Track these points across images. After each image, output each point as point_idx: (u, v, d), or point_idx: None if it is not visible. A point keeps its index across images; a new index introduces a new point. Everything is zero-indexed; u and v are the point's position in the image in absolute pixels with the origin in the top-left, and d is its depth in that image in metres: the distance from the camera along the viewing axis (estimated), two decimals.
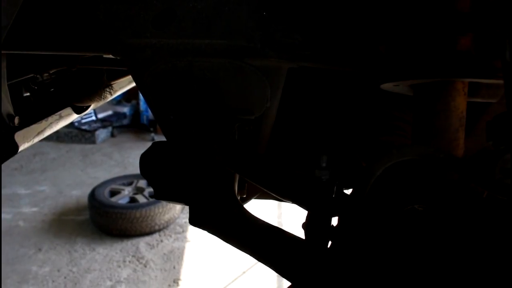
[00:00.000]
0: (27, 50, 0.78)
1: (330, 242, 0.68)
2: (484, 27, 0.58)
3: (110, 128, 6.71)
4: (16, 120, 0.83)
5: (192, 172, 0.84)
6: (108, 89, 1.13)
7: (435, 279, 0.56)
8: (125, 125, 6.97)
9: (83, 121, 6.63)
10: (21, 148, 0.84)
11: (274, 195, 0.77)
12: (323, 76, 1.00)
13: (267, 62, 0.75)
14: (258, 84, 0.77)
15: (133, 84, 1.50)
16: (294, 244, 0.75)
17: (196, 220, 0.85)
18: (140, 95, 6.89)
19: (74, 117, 1.10)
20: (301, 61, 0.75)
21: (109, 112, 7.03)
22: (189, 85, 0.79)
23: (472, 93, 0.67)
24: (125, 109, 7.05)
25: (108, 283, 3.21)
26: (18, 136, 0.82)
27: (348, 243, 0.61)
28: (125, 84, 1.38)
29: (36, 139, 0.92)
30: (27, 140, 0.87)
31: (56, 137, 6.44)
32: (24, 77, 0.91)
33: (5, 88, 0.80)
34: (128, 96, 7.38)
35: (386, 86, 0.69)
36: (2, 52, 0.80)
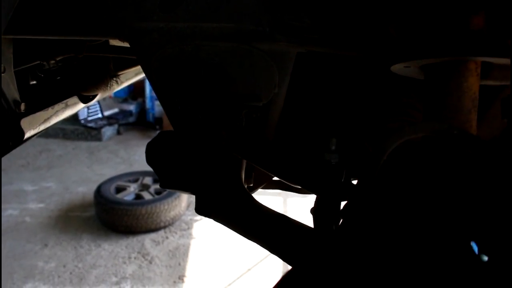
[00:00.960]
0: (34, 35, 0.77)
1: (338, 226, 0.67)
2: (497, 5, 0.57)
3: (116, 126, 6.73)
4: (22, 107, 0.82)
5: (199, 160, 0.83)
6: (114, 79, 1.13)
7: (448, 267, 0.54)
8: (131, 123, 6.99)
9: (89, 118, 6.66)
10: (27, 135, 0.84)
11: (283, 180, 0.76)
12: (331, 60, 0.98)
13: (275, 46, 0.74)
14: (266, 69, 0.77)
15: (140, 77, 1.50)
16: (302, 231, 0.74)
17: (202, 209, 0.84)
18: (146, 93, 6.91)
19: (81, 106, 1.10)
20: (309, 45, 0.74)
21: (115, 110, 7.06)
22: (196, 70, 0.78)
23: (485, 75, 0.65)
24: (131, 107, 7.07)
25: (114, 279, 3.22)
26: (24, 123, 0.82)
27: (357, 227, 0.60)
28: (132, 76, 1.37)
29: (42, 127, 0.92)
30: (33, 127, 0.87)
31: (63, 134, 6.47)
32: (31, 64, 0.91)
33: (11, 73, 0.80)
34: (134, 94, 7.40)
35: (397, 68, 0.68)
36: (10, 37, 0.80)
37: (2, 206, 4.27)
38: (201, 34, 0.73)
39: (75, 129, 6.46)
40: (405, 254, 0.56)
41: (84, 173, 5.20)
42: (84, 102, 1.09)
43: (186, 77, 0.79)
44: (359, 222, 0.59)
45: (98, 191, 3.93)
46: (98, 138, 6.40)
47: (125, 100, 7.28)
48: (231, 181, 0.82)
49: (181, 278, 3.25)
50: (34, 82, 0.97)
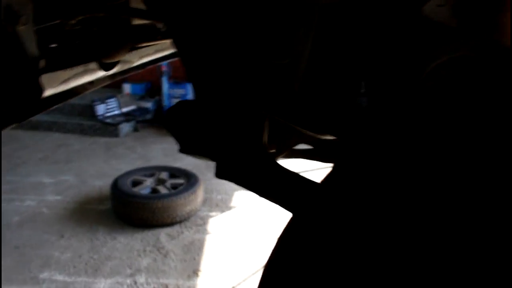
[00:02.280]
0: None
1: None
2: None
3: (133, 123, 6.76)
4: (42, 63, 0.80)
5: (219, 122, 0.80)
6: (134, 47, 1.10)
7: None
8: (148, 120, 7.02)
9: (107, 114, 6.70)
10: (46, 93, 0.81)
11: (310, 132, 0.71)
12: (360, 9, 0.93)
13: None
14: (291, 23, 0.72)
15: (159, 54, 1.47)
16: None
17: (222, 173, 0.81)
18: (163, 90, 6.93)
19: (100, 73, 1.07)
20: None
21: (133, 107, 7.09)
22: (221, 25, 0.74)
23: None
24: (149, 104, 7.10)
25: (128, 271, 3.20)
26: (43, 79, 0.79)
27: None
28: (152, 52, 1.35)
29: (61, 88, 0.89)
30: (52, 86, 0.84)
31: (80, 129, 6.53)
32: (51, 23, 0.88)
33: (31, 28, 0.78)
34: (151, 92, 7.44)
35: (429, 10, 0.62)
36: None
37: (21, 197, 4.31)
38: None
39: (92, 125, 6.52)
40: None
41: (101, 167, 5.23)
42: (105, 70, 1.07)
43: (212, 31, 0.76)
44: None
45: (115, 184, 3.93)
46: (116, 134, 6.44)
47: (142, 98, 7.32)
48: (253, 143, 0.78)
49: (195, 272, 3.21)
50: (54, 45, 0.95)
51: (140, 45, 1.16)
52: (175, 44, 0.83)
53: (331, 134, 0.71)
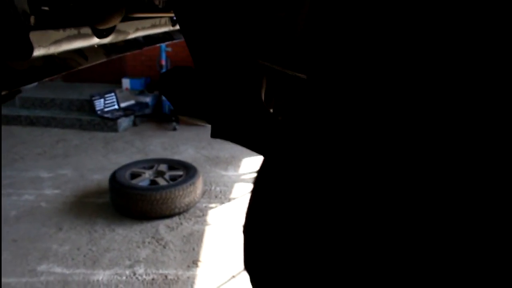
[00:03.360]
0: None
1: None
2: None
3: (132, 117, 6.73)
4: (32, 20, 0.77)
5: (220, 78, 0.77)
6: (130, 16, 1.07)
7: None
8: (147, 115, 6.98)
9: (106, 109, 6.67)
10: (36, 53, 0.78)
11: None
12: None
13: None
14: None
15: (155, 31, 1.44)
16: None
17: (218, 132, 0.78)
18: None
19: (94, 40, 1.04)
20: None
21: (132, 102, 7.06)
22: None
23: None
24: (147, 99, 7.07)
25: (127, 262, 3.18)
26: (33, 36, 0.76)
27: None
28: (148, 27, 1.31)
29: (53, 49, 0.86)
30: (43, 45, 0.81)
31: (79, 124, 6.50)
32: None
33: None
34: (150, 87, 7.40)
35: None
36: None
37: (19, 192, 4.28)
38: None
39: (91, 120, 6.48)
40: None
41: (99, 161, 5.20)
42: (98, 37, 1.03)
43: None
44: None
45: (113, 177, 3.90)
46: (114, 129, 6.41)
47: (141, 92, 7.28)
48: (252, 100, 0.75)
49: (195, 262, 3.19)
50: (46, 8, 0.92)
51: (136, 15, 1.13)
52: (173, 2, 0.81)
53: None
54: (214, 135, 0.78)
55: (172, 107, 0.84)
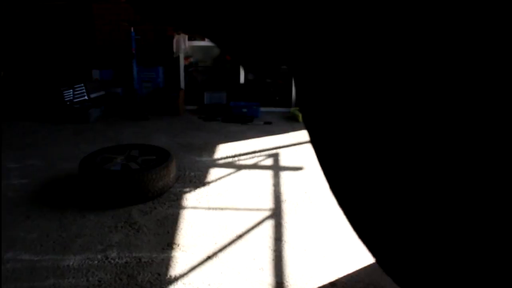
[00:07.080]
0: None
1: None
2: None
3: (102, 108, 6.57)
4: None
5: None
6: None
7: None
8: (118, 105, 6.83)
9: (75, 100, 6.48)
10: None
11: None
12: None
13: None
14: None
15: None
16: None
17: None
18: (134, 75, 6.74)
19: None
20: None
21: (101, 93, 6.89)
22: None
23: None
24: (118, 90, 6.91)
25: (99, 247, 3.08)
26: None
27: None
28: None
29: None
30: None
31: (48, 116, 6.29)
32: None
33: None
34: (121, 77, 7.24)
35: None
36: None
37: None
38: None
39: (61, 111, 6.29)
40: None
41: (70, 151, 5.04)
42: None
43: None
44: None
45: (83, 162, 3.78)
46: (85, 120, 6.24)
47: (111, 83, 7.12)
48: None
49: (170, 245, 3.12)
50: None
51: None
52: None
53: None
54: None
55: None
